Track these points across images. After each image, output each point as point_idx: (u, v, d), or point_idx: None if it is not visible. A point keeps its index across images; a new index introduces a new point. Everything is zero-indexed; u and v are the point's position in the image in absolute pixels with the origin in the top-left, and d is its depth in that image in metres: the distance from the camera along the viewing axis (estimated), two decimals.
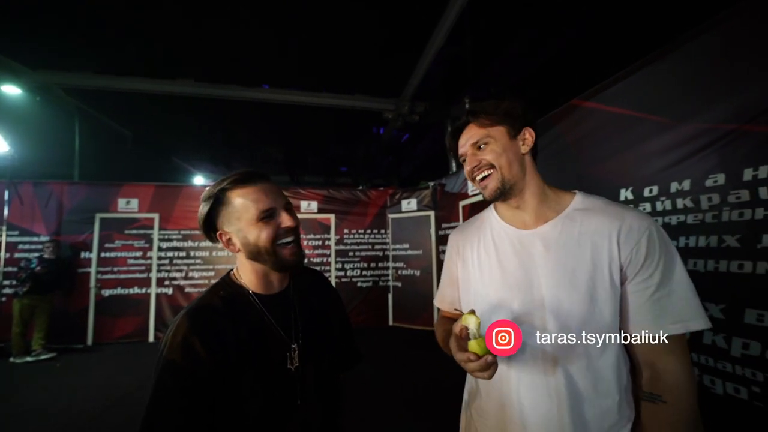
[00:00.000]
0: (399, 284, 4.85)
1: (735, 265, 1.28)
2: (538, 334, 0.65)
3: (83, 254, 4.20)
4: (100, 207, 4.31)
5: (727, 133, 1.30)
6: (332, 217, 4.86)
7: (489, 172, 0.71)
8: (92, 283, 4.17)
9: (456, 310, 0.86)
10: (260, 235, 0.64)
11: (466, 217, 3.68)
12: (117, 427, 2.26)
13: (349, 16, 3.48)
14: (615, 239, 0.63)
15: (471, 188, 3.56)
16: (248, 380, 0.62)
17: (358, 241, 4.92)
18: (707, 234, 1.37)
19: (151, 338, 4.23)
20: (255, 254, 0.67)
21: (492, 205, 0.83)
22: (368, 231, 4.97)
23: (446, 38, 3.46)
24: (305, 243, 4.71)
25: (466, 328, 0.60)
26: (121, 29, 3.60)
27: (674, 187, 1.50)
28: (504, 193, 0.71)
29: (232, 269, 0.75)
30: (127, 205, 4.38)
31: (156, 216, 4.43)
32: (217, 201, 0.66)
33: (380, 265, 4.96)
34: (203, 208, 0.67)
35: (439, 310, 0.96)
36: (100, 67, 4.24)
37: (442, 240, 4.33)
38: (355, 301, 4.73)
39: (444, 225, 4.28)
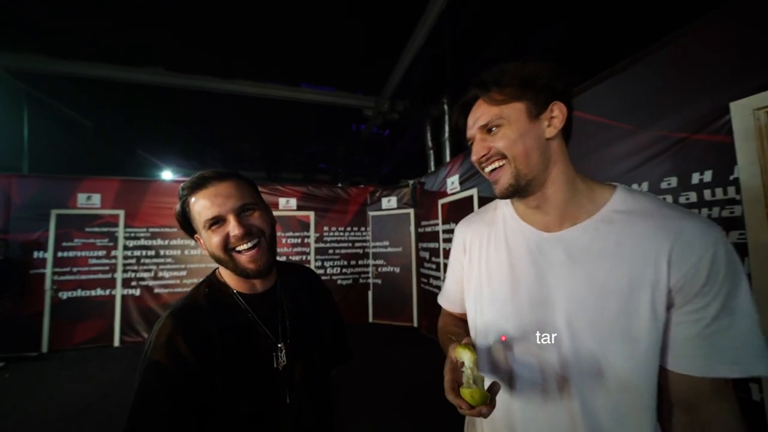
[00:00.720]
0: (379, 281, 4.89)
1: None
2: (551, 367, 0.54)
3: (36, 254, 3.85)
4: (56, 202, 3.97)
5: (679, 141, 1.45)
6: (312, 214, 4.81)
7: (500, 163, 0.57)
8: (47, 285, 3.84)
9: (459, 314, 0.79)
10: (212, 242, 0.62)
11: (445, 215, 3.78)
12: None
13: (330, 13, 3.45)
14: (665, 256, 0.49)
15: (450, 187, 3.66)
16: (234, 380, 0.61)
17: (338, 238, 4.90)
18: None
19: (116, 342, 3.98)
20: (216, 259, 0.65)
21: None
22: (348, 228, 4.97)
23: (426, 38, 3.52)
24: (284, 241, 4.62)
25: (458, 362, 0.54)
26: (79, 6, 3.31)
27: (634, 188, 1.64)
28: (519, 191, 0.57)
29: (217, 268, 0.73)
30: (88, 201, 4.07)
31: (121, 212, 4.15)
32: (183, 206, 0.65)
33: (360, 262, 4.98)
34: (177, 210, 0.66)
35: (433, 308, 0.93)
36: (54, 49, 3.88)
37: (422, 237, 4.42)
38: (336, 299, 4.69)
39: (423, 223, 4.37)
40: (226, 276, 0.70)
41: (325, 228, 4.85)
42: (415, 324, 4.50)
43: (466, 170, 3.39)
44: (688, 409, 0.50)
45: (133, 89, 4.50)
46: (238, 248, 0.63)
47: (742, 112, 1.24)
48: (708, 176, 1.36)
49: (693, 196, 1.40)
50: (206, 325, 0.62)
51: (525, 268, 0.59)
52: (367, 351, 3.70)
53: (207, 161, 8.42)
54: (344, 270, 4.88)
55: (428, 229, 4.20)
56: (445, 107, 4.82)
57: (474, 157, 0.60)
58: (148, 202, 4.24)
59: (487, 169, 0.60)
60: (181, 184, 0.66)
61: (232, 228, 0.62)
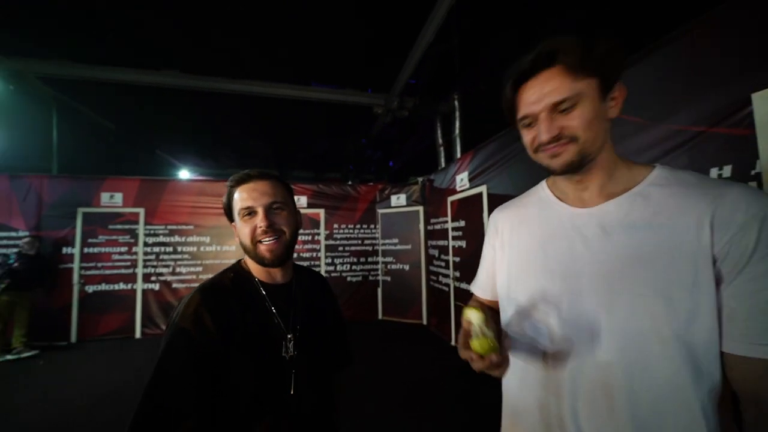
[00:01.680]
0: (388, 279, 4.91)
1: None
2: (586, 347, 0.51)
3: (65, 250, 4.09)
4: (82, 201, 4.19)
5: (696, 135, 1.38)
6: (322, 212, 4.86)
7: (567, 146, 0.52)
8: (75, 279, 4.08)
9: (489, 301, 0.77)
10: (242, 231, 0.72)
11: (454, 213, 3.75)
12: (103, 424, 2.24)
13: (339, 11, 3.45)
14: (707, 222, 0.45)
15: (459, 184, 3.62)
16: (246, 361, 0.65)
17: (348, 236, 4.95)
18: None
19: (137, 334, 4.18)
20: (243, 247, 0.74)
21: (545, 180, 0.68)
22: (358, 226, 5.00)
23: (435, 34, 3.48)
24: None
25: (470, 323, 0.55)
26: (102, 16, 3.47)
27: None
28: (577, 167, 0.54)
29: (242, 258, 0.80)
30: (111, 200, 4.27)
31: (141, 210, 4.34)
32: (229, 196, 0.75)
33: (370, 259, 5.00)
34: (224, 201, 0.77)
35: (471, 296, 0.84)
36: (80, 55, 4.09)
37: (431, 235, 4.40)
38: (345, 296, 4.77)
39: (432, 220, 4.34)
40: (250, 265, 0.77)
41: (335, 225, 4.90)
42: (424, 321, 4.49)
43: (475, 167, 3.35)
44: (757, 402, 0.44)
45: (151, 92, 4.67)
46: (261, 239, 0.71)
47: (765, 103, 1.17)
48: (727, 171, 1.29)
49: None
50: (230, 304, 0.68)
51: (557, 243, 0.58)
52: (375, 348, 3.73)
53: (221, 160, 8.65)
54: (354, 267, 4.92)
55: (437, 227, 4.17)
56: (456, 103, 4.75)
57: (544, 137, 0.52)
58: (165, 201, 4.41)
59: (548, 149, 0.54)
60: (230, 177, 0.76)
61: (260, 220, 0.70)
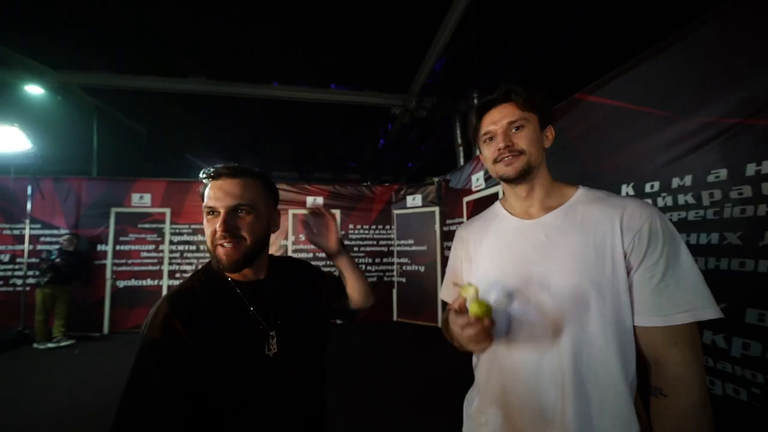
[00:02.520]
0: (403, 280, 4.87)
1: (736, 263, 1.24)
2: (534, 316, 0.65)
3: (99, 247, 4.39)
4: (115, 202, 4.48)
5: (730, 128, 1.26)
6: (338, 212, 4.91)
7: (519, 157, 0.70)
8: (108, 274, 4.36)
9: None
10: (205, 229, 0.69)
11: (470, 213, 3.66)
12: None
13: (355, 12, 3.48)
14: (618, 226, 0.62)
15: (475, 184, 3.53)
16: (226, 363, 0.63)
17: (363, 236, 4.96)
18: (708, 231, 1.33)
19: None
20: (208, 246, 0.70)
21: (498, 201, 0.85)
22: (373, 226, 5.00)
23: (452, 33, 3.42)
24: None
25: (465, 300, 0.61)
26: (135, 29, 3.71)
27: (676, 182, 1.46)
28: (525, 175, 0.70)
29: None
30: (141, 200, 4.54)
31: (167, 211, 4.58)
32: (202, 191, 0.72)
33: (385, 260, 4.99)
34: (200, 190, 0.74)
35: (445, 304, 0.97)
36: (117, 66, 4.40)
37: (447, 236, 4.32)
38: None
39: (448, 221, 4.26)
40: None
41: (351, 226, 4.93)
42: (439, 324, 4.41)
43: None
44: (654, 361, 0.59)
45: (180, 98, 4.93)
46: (220, 242, 0.67)
47: None
48: (767, 167, 1.16)
49: (748, 191, 1.21)
50: (200, 308, 0.66)
51: (512, 250, 0.72)
52: (390, 350, 3.70)
53: (243, 163, 8.91)
54: (369, 268, 4.92)
55: (453, 228, 4.09)
56: (475, 101, 4.65)
57: (499, 144, 0.70)
58: (189, 201, 4.62)
59: (505, 158, 0.71)
60: (203, 169, 0.72)
61: (219, 224, 0.66)
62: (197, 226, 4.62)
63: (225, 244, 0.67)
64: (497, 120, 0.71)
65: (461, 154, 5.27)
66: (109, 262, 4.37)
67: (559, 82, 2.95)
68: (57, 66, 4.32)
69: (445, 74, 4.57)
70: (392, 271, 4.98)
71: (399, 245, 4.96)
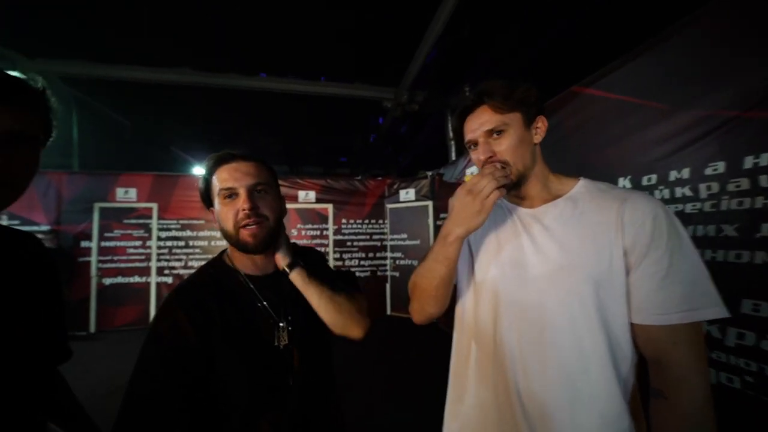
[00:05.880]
0: (397, 274, 4.86)
1: (732, 254, 1.26)
2: (528, 306, 0.63)
3: (83, 243, 4.22)
4: (98, 196, 4.30)
5: (728, 120, 1.26)
6: (330, 207, 4.85)
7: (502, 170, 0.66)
8: (93, 272, 4.21)
9: None
10: (223, 215, 0.67)
11: None
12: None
13: (348, 4, 3.39)
14: (618, 220, 0.58)
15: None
16: (234, 356, 0.63)
17: (356, 231, 4.92)
18: (705, 223, 1.34)
19: None
20: (223, 233, 0.69)
21: None
22: (366, 221, 4.96)
23: (445, 26, 3.37)
24: (303, 233, 4.71)
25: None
26: (117, 17, 3.52)
27: (673, 175, 1.47)
28: (516, 186, 0.67)
29: (226, 249, 0.77)
30: (126, 195, 4.38)
31: (154, 206, 4.43)
32: (206, 178, 0.70)
33: (378, 255, 4.97)
34: (200, 184, 0.72)
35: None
36: (98, 55, 4.18)
37: (439, 230, 4.32)
38: None
39: (442, 215, 4.26)
40: (235, 257, 0.73)
41: (344, 220, 4.88)
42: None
43: None
44: (655, 361, 0.56)
45: (165, 89, 4.74)
46: (244, 223, 0.66)
47: None
48: (765, 160, 1.17)
49: (745, 183, 1.22)
50: (208, 301, 0.66)
51: (509, 239, 0.69)
52: (384, 344, 3.70)
53: None
54: (362, 262, 4.89)
55: None
56: (466, 94, 4.62)
57: (480, 157, 0.67)
58: (177, 196, 4.48)
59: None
60: (209, 156, 0.70)
61: (242, 203, 0.65)
62: (185, 222, 4.49)
63: (250, 224, 0.65)
64: (475, 129, 0.67)
65: (453, 149, 5.26)
66: (93, 259, 4.21)
67: (556, 75, 2.94)
68: (32, 54, 4.09)
69: (437, 67, 4.51)
70: (386, 265, 4.97)
71: (392, 240, 4.95)
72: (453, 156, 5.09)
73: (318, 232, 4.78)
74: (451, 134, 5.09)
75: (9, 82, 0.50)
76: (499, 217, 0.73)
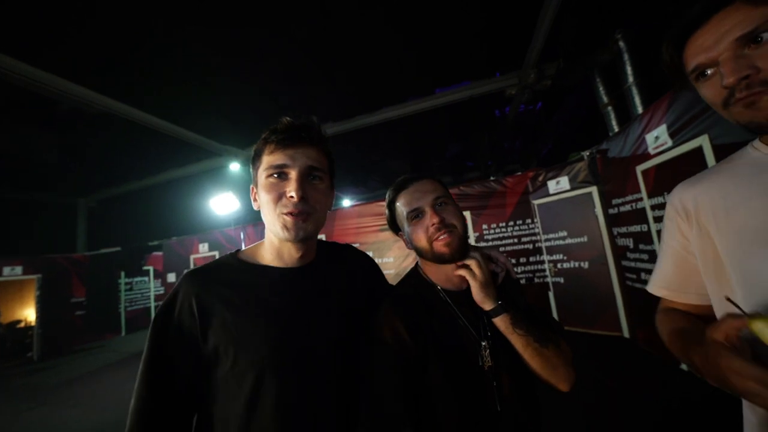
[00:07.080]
0: (561, 280, 4.11)
1: None
2: None
3: None
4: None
5: None
6: (467, 214, 4.68)
7: None
8: None
9: (688, 304, 0.65)
10: (415, 235, 0.69)
11: (651, 186, 2.76)
12: None
13: (452, 7, 3.35)
14: None
15: (653, 145, 2.65)
16: (443, 373, 0.61)
17: (501, 235, 4.52)
18: None
19: None
20: (418, 251, 0.72)
21: (753, 141, 0.55)
22: (510, 223, 4.50)
23: None
24: None
25: (743, 338, 0.41)
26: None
27: None
28: None
29: (417, 264, 0.80)
30: None
31: (323, 237, 5.49)
32: (391, 207, 0.77)
33: (531, 259, 4.37)
34: (386, 211, 0.79)
35: (659, 301, 0.72)
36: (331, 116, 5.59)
37: (617, 220, 3.40)
38: None
39: (615, 201, 3.36)
40: (429, 270, 0.74)
41: (484, 226, 4.59)
42: (626, 333, 3.43)
43: (679, 114, 2.36)
44: None
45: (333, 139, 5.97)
46: (436, 236, 0.67)
47: None
48: None
49: None
50: (418, 313, 0.67)
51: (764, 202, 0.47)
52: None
53: (369, 185, 9.99)
54: (514, 269, 4.41)
55: (625, 208, 3.18)
56: (621, 44, 3.64)
57: (728, 80, 0.43)
58: (337, 226, 5.40)
59: (742, 98, 0.44)
60: (389, 189, 0.78)
61: (429, 217, 0.67)
62: None
63: (441, 235, 0.66)
64: (716, 39, 0.43)
65: (612, 116, 4.17)
66: None
67: None
68: (243, 145, 6.03)
69: (571, 29, 3.76)
70: (544, 270, 4.30)
71: (547, 240, 4.26)
72: (614, 126, 4.04)
73: None
74: (605, 98, 4.09)
75: (312, 127, 0.68)
76: (760, 178, 0.49)
